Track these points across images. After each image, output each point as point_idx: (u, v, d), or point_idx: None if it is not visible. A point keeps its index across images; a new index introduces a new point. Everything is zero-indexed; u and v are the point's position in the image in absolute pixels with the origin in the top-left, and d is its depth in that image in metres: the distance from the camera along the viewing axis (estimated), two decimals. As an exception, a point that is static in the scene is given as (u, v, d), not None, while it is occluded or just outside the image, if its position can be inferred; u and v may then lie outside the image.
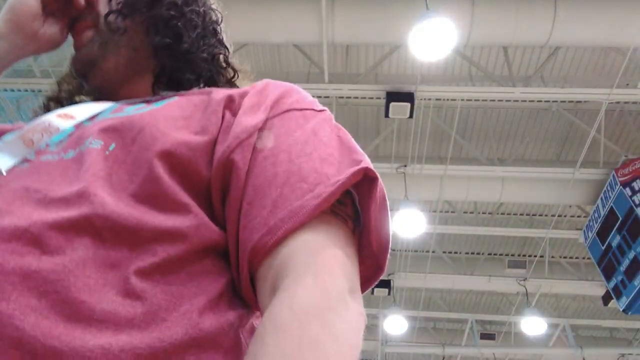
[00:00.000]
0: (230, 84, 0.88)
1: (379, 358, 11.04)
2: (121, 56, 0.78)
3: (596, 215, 7.23)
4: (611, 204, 6.79)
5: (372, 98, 6.88)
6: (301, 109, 0.66)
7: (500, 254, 9.95)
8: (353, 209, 0.59)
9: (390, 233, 0.60)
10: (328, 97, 7.16)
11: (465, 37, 5.45)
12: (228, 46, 0.92)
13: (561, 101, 7.21)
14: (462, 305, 11.51)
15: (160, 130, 0.59)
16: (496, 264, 9.62)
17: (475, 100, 7.29)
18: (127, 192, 0.55)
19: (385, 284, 9.31)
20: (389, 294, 9.37)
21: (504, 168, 7.09)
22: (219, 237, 0.57)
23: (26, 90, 7.45)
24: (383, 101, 6.30)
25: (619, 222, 6.67)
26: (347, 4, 5.48)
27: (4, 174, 0.55)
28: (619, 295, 6.94)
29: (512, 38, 5.51)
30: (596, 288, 9.09)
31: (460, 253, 9.96)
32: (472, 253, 10.05)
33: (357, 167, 0.57)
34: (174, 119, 0.63)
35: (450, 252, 9.98)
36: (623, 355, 10.66)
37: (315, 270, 0.50)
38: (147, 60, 0.80)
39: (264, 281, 0.53)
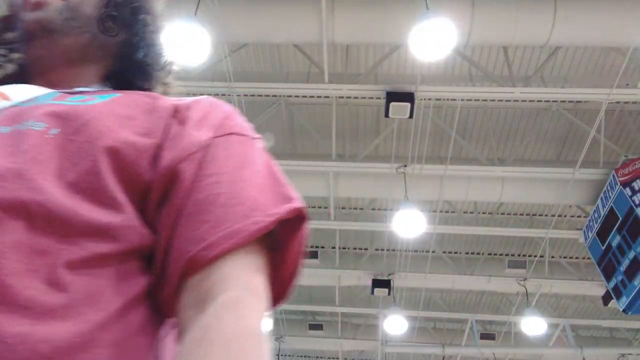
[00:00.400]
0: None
1: (379, 358, 11.05)
2: (79, 41, 0.77)
3: (596, 215, 7.23)
4: (611, 204, 6.79)
5: (372, 98, 6.88)
6: (242, 134, 0.70)
7: (500, 254, 9.95)
8: (272, 239, 0.64)
9: (301, 269, 0.65)
10: (328, 97, 7.17)
11: (465, 37, 5.45)
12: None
13: (561, 101, 7.21)
14: (462, 305, 11.51)
15: (107, 126, 0.60)
16: (496, 264, 9.62)
17: (475, 100, 7.29)
18: (65, 180, 0.55)
19: (385, 284, 9.32)
20: (389, 294, 9.37)
21: (504, 168, 7.09)
22: (147, 241, 0.59)
23: (26, 90, 7.46)
24: (383, 101, 6.30)
25: (619, 222, 6.67)
26: (347, 4, 5.48)
27: None
28: (619, 295, 6.95)
29: (512, 38, 5.50)
30: (596, 288, 9.09)
31: (460, 253, 9.96)
32: (472, 253, 10.05)
33: (293, 206, 0.62)
34: (119, 116, 0.63)
35: (450, 252, 9.97)
36: (623, 355, 10.66)
37: (246, 295, 0.55)
38: (98, 55, 0.80)
39: (191, 291, 0.55)
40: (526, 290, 9.17)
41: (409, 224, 6.93)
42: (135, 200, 0.60)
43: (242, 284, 0.55)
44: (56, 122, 0.60)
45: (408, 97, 6.16)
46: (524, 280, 9.12)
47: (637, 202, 6.32)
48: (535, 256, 8.85)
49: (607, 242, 7.03)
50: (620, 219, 6.63)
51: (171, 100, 0.70)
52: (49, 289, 0.48)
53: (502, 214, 9.14)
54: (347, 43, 6.44)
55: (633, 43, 5.54)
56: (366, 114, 7.83)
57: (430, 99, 6.82)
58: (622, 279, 6.75)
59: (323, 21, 5.40)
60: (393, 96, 6.18)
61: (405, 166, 7.12)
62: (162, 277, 0.58)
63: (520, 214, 9.21)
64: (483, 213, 9.00)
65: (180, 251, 0.56)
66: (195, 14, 4.84)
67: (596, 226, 7.26)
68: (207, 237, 0.56)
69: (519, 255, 9.91)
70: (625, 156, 6.80)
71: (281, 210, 0.60)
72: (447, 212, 8.83)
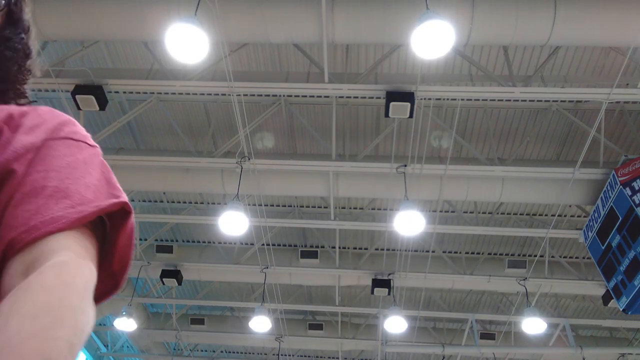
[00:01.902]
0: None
1: (379, 358, 11.05)
2: None
3: (596, 215, 7.23)
4: (611, 203, 6.79)
5: (372, 98, 6.87)
6: (77, 140, 0.75)
7: (500, 254, 9.95)
8: (103, 234, 0.71)
9: (131, 261, 0.73)
10: (328, 97, 7.17)
11: (465, 37, 5.45)
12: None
13: (561, 101, 7.21)
14: (462, 305, 11.52)
15: None
16: (496, 264, 9.62)
17: (475, 100, 7.30)
18: None
19: (385, 284, 9.32)
20: (389, 293, 9.38)
21: (504, 168, 7.09)
22: None
23: (26, 90, 7.45)
24: (383, 101, 6.30)
25: (619, 222, 6.67)
26: (347, 4, 5.48)
27: None
28: (619, 295, 6.94)
29: (512, 38, 5.50)
30: (596, 288, 9.10)
31: (460, 253, 9.96)
32: (472, 253, 10.06)
33: (117, 200, 0.69)
34: None
35: (450, 252, 9.98)
36: (623, 355, 10.66)
37: (73, 259, 0.60)
38: None
39: (16, 265, 0.60)
40: (526, 290, 9.17)
41: (409, 224, 6.93)
42: None
43: (70, 251, 0.61)
44: None
45: (408, 96, 6.16)
46: (524, 280, 9.12)
47: (637, 202, 6.32)
48: (535, 256, 8.85)
49: (607, 242, 7.03)
50: (620, 218, 6.63)
51: (6, 108, 0.75)
52: None
53: (502, 213, 9.14)
54: (347, 43, 6.45)
55: (633, 43, 5.54)
56: (366, 113, 7.83)
57: (430, 99, 6.82)
58: (622, 278, 6.75)
59: (323, 21, 5.40)
60: (393, 96, 6.17)
61: (405, 166, 7.12)
62: None
63: (520, 214, 9.22)
64: (483, 213, 9.01)
65: (3, 237, 0.62)
66: (195, 14, 4.84)
67: (596, 226, 7.26)
68: (28, 222, 0.62)
69: (519, 255, 9.91)
70: (625, 156, 6.80)
71: (105, 203, 0.67)
72: (447, 212, 8.83)
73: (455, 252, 10.04)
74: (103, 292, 0.71)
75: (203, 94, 7.68)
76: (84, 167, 0.71)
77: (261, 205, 7.99)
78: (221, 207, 7.86)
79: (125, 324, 9.86)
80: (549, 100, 7.21)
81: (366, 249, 9.95)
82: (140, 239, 9.75)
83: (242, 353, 14.28)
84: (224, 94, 7.08)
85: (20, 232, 0.61)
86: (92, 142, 0.79)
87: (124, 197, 0.71)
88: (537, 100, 7.26)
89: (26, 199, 0.64)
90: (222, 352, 14.05)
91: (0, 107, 0.76)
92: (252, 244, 9.40)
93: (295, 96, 7.51)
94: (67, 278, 0.57)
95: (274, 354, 11.98)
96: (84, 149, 0.75)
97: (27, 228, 0.61)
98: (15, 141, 0.69)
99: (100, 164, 0.76)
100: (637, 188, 6.38)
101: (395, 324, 9.59)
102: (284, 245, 10.23)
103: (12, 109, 0.75)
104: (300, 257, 9.72)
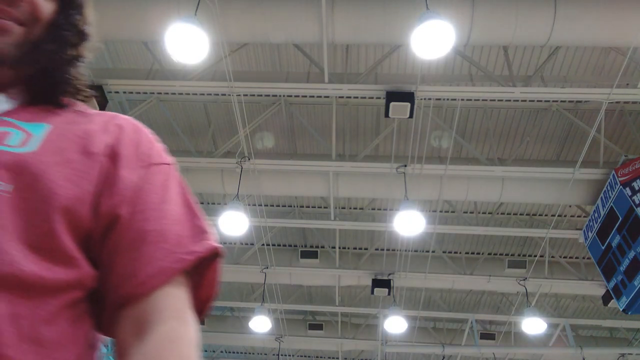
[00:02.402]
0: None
1: (379, 358, 11.04)
2: (20, 71, 0.76)
3: (596, 215, 7.23)
4: (611, 203, 6.79)
5: (372, 98, 6.87)
6: (161, 163, 0.79)
7: (500, 254, 9.95)
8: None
9: (214, 297, 0.78)
10: (328, 97, 7.17)
11: (465, 37, 5.45)
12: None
13: (561, 101, 7.21)
14: (462, 305, 11.51)
15: (55, 182, 0.65)
16: (496, 264, 9.62)
17: (475, 100, 7.29)
18: (27, 243, 0.61)
19: (385, 284, 9.31)
20: (389, 294, 9.37)
21: (504, 168, 7.09)
22: (95, 282, 0.68)
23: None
24: (383, 101, 6.30)
25: (619, 222, 6.67)
26: (347, 4, 5.48)
27: None
28: (619, 295, 6.94)
29: (512, 38, 5.50)
30: (596, 288, 9.09)
31: (460, 253, 9.96)
32: (472, 253, 10.05)
33: (211, 246, 0.73)
34: (62, 164, 0.68)
35: (450, 252, 9.98)
36: (623, 355, 10.66)
37: (179, 327, 0.67)
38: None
39: (128, 320, 0.66)
40: (526, 290, 9.17)
41: (409, 224, 6.93)
42: (82, 246, 0.67)
43: (174, 315, 0.67)
44: (10, 178, 0.63)
45: (408, 97, 6.16)
46: (524, 280, 9.12)
47: (637, 202, 6.32)
48: (535, 256, 8.85)
49: (607, 242, 7.03)
50: (620, 218, 6.63)
51: (101, 137, 0.75)
52: (36, 348, 0.58)
53: (502, 214, 9.14)
54: (347, 43, 6.44)
55: (633, 43, 5.54)
56: (366, 114, 7.83)
57: (430, 99, 6.82)
58: (622, 278, 6.75)
59: (323, 21, 5.40)
60: (393, 96, 6.17)
61: (405, 166, 7.12)
62: (102, 306, 0.69)
63: (520, 214, 9.22)
64: (483, 213, 9.00)
65: (115, 286, 0.67)
66: (195, 14, 4.84)
67: (596, 226, 7.26)
68: (138, 274, 0.67)
69: (519, 255, 9.91)
70: (625, 156, 6.80)
71: (201, 248, 0.72)
72: (447, 212, 8.83)
73: (455, 252, 10.04)
74: None
75: (203, 94, 7.67)
76: (171, 199, 0.75)
77: (261, 205, 7.99)
78: (221, 207, 7.85)
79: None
80: (549, 100, 7.21)
81: (366, 249, 9.95)
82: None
83: (242, 353, 14.27)
84: (224, 94, 7.08)
85: (129, 286, 0.66)
86: (169, 158, 0.82)
87: (213, 237, 0.75)
88: (537, 100, 7.26)
89: (132, 246, 0.69)
90: (222, 352, 14.04)
91: (94, 134, 0.75)
92: (252, 244, 9.40)
93: (295, 96, 7.51)
94: (183, 352, 0.64)
95: (274, 354, 11.98)
96: (167, 173, 0.79)
97: (137, 282, 0.66)
98: (119, 181, 0.72)
99: (180, 187, 0.80)
100: (637, 188, 6.38)
101: (395, 324, 9.59)
102: (284, 245, 10.23)
103: (105, 136, 0.76)
104: (300, 257, 9.72)
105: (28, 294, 0.59)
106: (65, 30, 0.81)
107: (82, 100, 0.85)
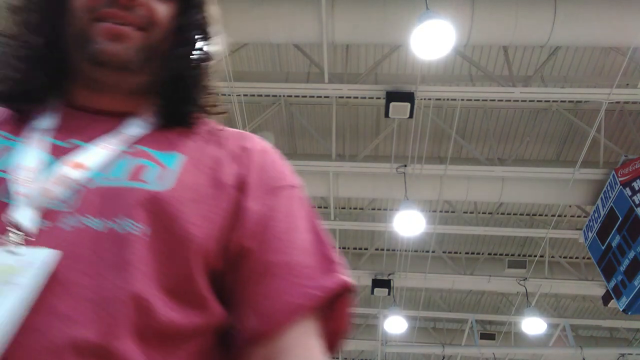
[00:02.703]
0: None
1: (379, 358, 11.04)
2: (145, 78, 0.77)
3: (596, 215, 7.23)
4: (611, 203, 6.79)
5: (372, 98, 6.87)
6: (288, 187, 0.76)
7: (500, 254, 9.95)
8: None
9: (347, 330, 0.73)
10: (328, 97, 7.17)
11: (465, 37, 5.45)
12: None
13: (561, 101, 7.21)
14: (462, 305, 11.51)
15: (191, 222, 0.64)
16: (496, 264, 9.62)
17: (475, 100, 7.29)
18: (163, 286, 0.60)
19: (385, 284, 9.31)
20: (389, 294, 9.37)
21: (504, 168, 7.09)
22: (227, 321, 0.66)
23: (26, 90, 7.45)
24: (383, 101, 6.30)
25: (619, 222, 6.67)
26: (347, 4, 5.48)
27: (35, 231, 0.58)
28: (619, 295, 6.94)
29: (512, 38, 5.50)
30: (596, 288, 9.10)
31: (460, 253, 9.96)
32: (472, 253, 10.05)
33: (342, 281, 0.69)
34: (198, 202, 0.67)
35: (450, 252, 9.98)
36: (623, 355, 10.66)
37: None
38: (151, 87, 0.79)
39: (256, 356, 0.64)
40: (526, 290, 9.18)
41: (409, 224, 6.93)
42: (212, 284, 0.66)
43: (304, 354, 0.64)
44: (148, 219, 0.62)
45: (408, 97, 6.16)
46: (524, 280, 9.12)
47: (637, 202, 6.32)
48: (535, 256, 8.85)
49: (607, 242, 7.03)
50: (620, 219, 6.63)
51: (231, 165, 0.73)
52: None
53: (502, 214, 9.14)
54: (347, 43, 6.44)
55: (633, 43, 5.54)
56: (366, 114, 7.83)
57: (430, 99, 6.82)
58: (622, 279, 6.75)
59: (323, 21, 5.40)
60: (393, 96, 6.17)
61: (405, 166, 7.12)
62: (231, 342, 0.66)
63: (520, 214, 9.22)
64: (483, 213, 9.00)
65: (244, 323, 0.65)
66: (195, 14, 4.84)
67: (596, 226, 7.26)
68: (266, 311, 0.64)
69: (519, 255, 9.91)
70: (625, 156, 6.80)
71: (331, 284, 0.68)
72: (447, 212, 8.83)
73: (455, 252, 10.04)
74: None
75: (203, 94, 7.66)
76: (297, 225, 0.72)
77: (261, 205, 7.98)
78: (221, 207, 7.85)
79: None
80: (549, 101, 7.21)
81: (366, 249, 9.95)
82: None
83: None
84: (224, 94, 7.07)
85: (258, 324, 0.64)
86: (295, 180, 0.79)
87: (342, 269, 0.71)
88: (537, 101, 7.26)
89: (258, 280, 0.66)
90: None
91: (223, 165, 0.73)
92: (252, 244, 9.39)
93: (295, 96, 7.51)
94: None
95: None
96: (292, 196, 0.76)
97: (265, 320, 0.64)
98: (246, 213, 0.69)
99: (305, 211, 0.76)
100: (637, 188, 6.38)
101: (395, 324, 9.60)
102: (284, 246, 10.22)
103: (235, 166, 0.74)
104: (300, 257, 9.71)
105: (163, 342, 0.58)
106: (188, 32, 0.78)
107: (212, 112, 0.83)
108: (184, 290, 0.61)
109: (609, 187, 6.85)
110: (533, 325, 9.04)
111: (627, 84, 6.48)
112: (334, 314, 0.69)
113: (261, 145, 0.81)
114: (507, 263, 9.49)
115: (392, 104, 6.17)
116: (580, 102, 7.19)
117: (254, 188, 0.72)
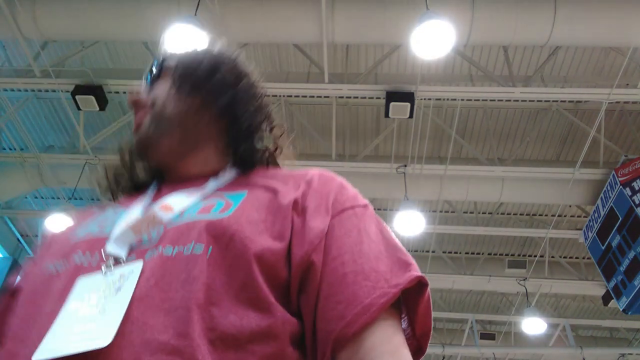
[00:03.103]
0: (273, 155, 1.05)
1: (379, 358, 11.04)
2: (174, 137, 0.92)
3: (596, 215, 7.23)
4: (611, 203, 6.79)
5: (372, 98, 6.87)
6: (353, 207, 0.82)
7: (500, 254, 9.95)
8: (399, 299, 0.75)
9: (431, 327, 0.78)
10: (328, 97, 7.17)
11: (465, 37, 5.45)
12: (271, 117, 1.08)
13: (561, 101, 7.21)
14: (462, 305, 11.51)
15: (248, 237, 0.72)
16: (496, 264, 9.62)
17: (475, 100, 7.29)
18: (227, 296, 0.67)
19: (385, 284, 9.31)
20: (389, 294, 9.36)
21: (504, 168, 7.09)
22: (298, 329, 0.70)
23: (26, 90, 7.45)
24: (383, 101, 6.30)
25: (619, 222, 6.67)
26: (347, 4, 5.48)
27: (125, 260, 0.72)
28: (619, 295, 6.94)
29: (512, 38, 5.50)
30: (596, 288, 9.09)
31: (460, 253, 9.96)
32: (472, 253, 10.05)
33: (413, 274, 0.73)
34: (254, 223, 0.75)
35: (450, 252, 9.98)
36: (623, 355, 10.65)
37: (392, 357, 0.67)
38: (205, 136, 0.94)
39: None
40: (526, 290, 9.17)
41: (409, 224, 6.93)
42: (281, 296, 0.71)
43: (387, 351, 0.67)
44: (209, 240, 0.71)
45: (408, 97, 6.16)
46: (524, 280, 9.12)
47: (637, 202, 6.32)
48: (535, 256, 8.85)
49: (607, 242, 7.03)
50: (620, 218, 6.63)
51: (290, 193, 0.82)
52: None
53: (502, 214, 9.14)
54: (347, 43, 6.44)
55: (633, 43, 5.54)
56: (366, 114, 7.83)
57: (430, 99, 6.82)
58: (622, 278, 6.75)
59: (323, 21, 5.40)
60: (393, 96, 6.17)
61: (405, 166, 7.12)
62: (314, 354, 0.70)
63: (520, 214, 9.21)
64: (483, 213, 9.00)
65: (325, 332, 0.68)
66: (195, 14, 4.84)
67: (596, 226, 7.26)
68: (344, 315, 0.67)
69: (519, 255, 9.91)
70: (625, 156, 6.80)
71: (402, 280, 0.72)
72: (447, 212, 8.83)
73: (455, 252, 10.04)
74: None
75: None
76: (367, 238, 0.77)
77: (261, 205, 7.98)
78: (221, 207, 7.85)
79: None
80: (549, 101, 7.21)
81: (366, 249, 9.94)
82: (140, 239, 9.73)
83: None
84: (224, 94, 7.07)
85: (341, 328, 0.67)
86: (363, 200, 0.85)
87: (415, 266, 0.76)
88: (537, 100, 7.26)
89: (334, 290, 0.70)
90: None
91: (279, 187, 0.84)
92: (252, 244, 9.39)
93: (295, 96, 7.51)
94: None
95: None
96: (361, 215, 0.81)
97: (345, 323, 0.67)
98: (308, 231, 0.75)
99: (377, 225, 0.81)
100: (637, 188, 6.38)
101: (395, 324, 9.58)
102: (284, 246, 10.22)
103: (294, 192, 0.82)
104: (300, 257, 9.72)
105: (233, 345, 0.64)
106: (221, 92, 0.96)
107: (274, 159, 1.02)
108: (248, 297, 0.67)
109: (609, 187, 6.85)
110: (533, 325, 9.03)
111: (627, 84, 6.48)
112: (417, 314, 0.74)
113: (324, 175, 0.89)
114: (507, 263, 9.49)
115: (392, 104, 6.17)
116: (580, 102, 7.19)
117: (315, 210, 0.79)
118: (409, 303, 0.75)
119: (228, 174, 0.91)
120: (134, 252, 0.73)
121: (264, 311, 0.67)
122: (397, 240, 0.80)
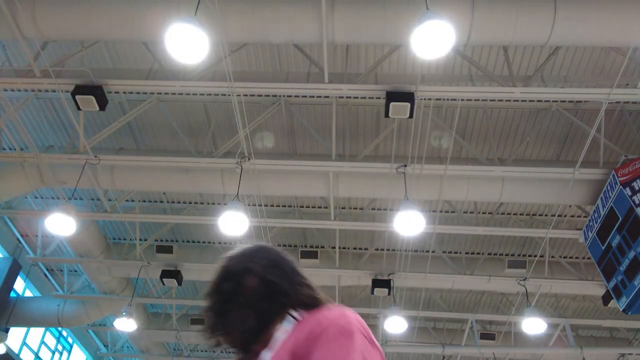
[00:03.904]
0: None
1: (379, 358, 11.03)
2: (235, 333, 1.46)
3: (596, 215, 7.23)
4: (611, 203, 6.79)
5: (372, 98, 6.87)
6: (332, 344, 1.15)
7: (500, 254, 9.95)
8: None
9: None
10: (328, 97, 7.17)
11: (465, 37, 5.45)
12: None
13: (561, 101, 7.21)
14: (462, 305, 11.51)
15: None
16: (496, 264, 9.62)
17: (475, 100, 7.29)
18: None
19: (385, 284, 9.31)
20: (389, 294, 9.37)
21: (504, 168, 7.08)
22: None
23: (26, 90, 7.46)
24: (383, 101, 6.30)
25: (619, 222, 6.67)
26: (347, 4, 5.48)
27: None
28: (619, 295, 6.94)
29: (512, 38, 5.50)
30: (596, 288, 9.10)
31: (460, 253, 9.96)
32: (472, 253, 10.06)
33: None
34: None
35: (450, 252, 9.98)
36: (623, 355, 10.65)
37: None
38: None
39: None
40: (526, 290, 9.17)
41: (409, 224, 6.93)
42: None
43: None
44: None
45: (408, 97, 6.15)
46: (524, 280, 9.12)
47: (637, 202, 6.32)
48: (535, 256, 8.85)
49: (607, 242, 7.03)
50: (620, 218, 6.62)
51: (291, 345, 1.19)
52: None
53: (502, 214, 9.14)
54: (347, 43, 6.44)
55: (633, 43, 5.54)
56: (366, 114, 7.83)
57: (430, 99, 6.82)
58: (622, 278, 6.75)
59: (323, 21, 5.40)
60: (393, 96, 6.17)
61: (405, 166, 7.12)
62: None
63: (520, 214, 9.22)
64: (483, 213, 9.00)
65: None
66: (195, 14, 4.84)
67: (596, 226, 7.25)
68: None
69: (519, 255, 9.91)
70: (625, 156, 6.79)
71: None
72: (447, 212, 8.83)
73: (455, 252, 10.04)
74: None
75: (203, 94, 7.67)
76: None
77: (261, 205, 7.99)
78: (221, 208, 7.85)
79: (125, 324, 9.85)
80: (549, 100, 7.21)
81: (366, 249, 9.95)
82: (140, 240, 9.74)
83: (242, 353, 14.27)
84: (224, 94, 7.08)
85: None
86: (348, 331, 1.20)
87: None
88: (537, 100, 7.26)
89: None
90: (222, 352, 14.02)
91: (287, 342, 1.22)
92: (252, 244, 9.38)
93: (295, 96, 7.51)
94: None
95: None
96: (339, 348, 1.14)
97: None
98: None
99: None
100: (637, 188, 6.38)
101: (395, 324, 9.59)
102: (284, 245, 10.23)
103: (291, 340, 1.21)
104: (300, 257, 9.72)
105: None
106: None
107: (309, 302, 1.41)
108: None
109: (609, 187, 6.85)
110: (533, 325, 9.03)
111: (627, 84, 6.49)
112: None
113: (321, 328, 1.19)
114: (507, 263, 9.49)
115: (392, 104, 6.16)
116: (580, 102, 7.19)
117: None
118: None
119: (276, 343, 1.30)
120: None
121: None
122: None
